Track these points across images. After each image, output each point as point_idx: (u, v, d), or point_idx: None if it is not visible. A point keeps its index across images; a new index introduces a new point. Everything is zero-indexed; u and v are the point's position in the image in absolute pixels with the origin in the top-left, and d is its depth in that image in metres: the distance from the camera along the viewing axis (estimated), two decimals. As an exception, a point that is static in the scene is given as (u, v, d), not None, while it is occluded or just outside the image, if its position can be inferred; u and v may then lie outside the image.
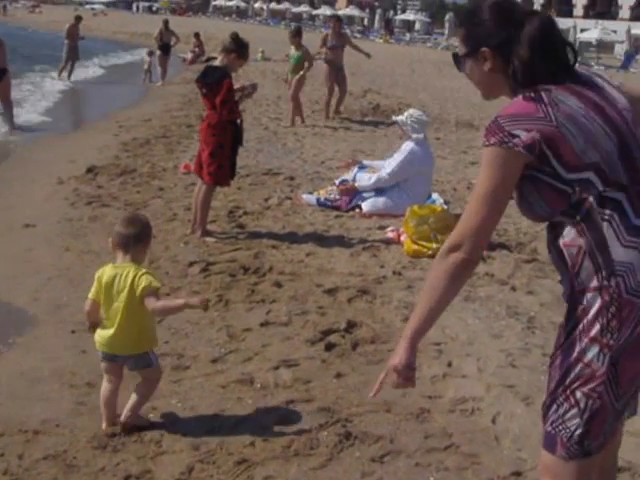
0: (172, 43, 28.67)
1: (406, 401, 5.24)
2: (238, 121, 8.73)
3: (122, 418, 4.81)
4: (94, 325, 4.85)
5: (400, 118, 10.12)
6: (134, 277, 4.67)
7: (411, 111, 10.28)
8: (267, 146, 14.55)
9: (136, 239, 4.76)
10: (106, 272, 4.81)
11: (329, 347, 6.06)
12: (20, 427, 4.84)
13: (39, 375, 5.57)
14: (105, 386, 4.91)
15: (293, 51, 18.59)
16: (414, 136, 9.99)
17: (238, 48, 8.61)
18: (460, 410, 5.18)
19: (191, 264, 7.86)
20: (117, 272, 4.75)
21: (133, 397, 4.84)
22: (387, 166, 10.17)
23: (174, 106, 20.79)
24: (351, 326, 6.46)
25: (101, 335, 4.80)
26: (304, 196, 10.51)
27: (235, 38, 8.62)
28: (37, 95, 23.41)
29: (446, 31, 67.80)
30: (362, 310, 6.87)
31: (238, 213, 9.75)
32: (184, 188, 11.11)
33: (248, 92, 9.12)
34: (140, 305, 4.64)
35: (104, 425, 4.86)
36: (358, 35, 74.79)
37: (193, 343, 6.04)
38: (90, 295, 4.85)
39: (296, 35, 18.43)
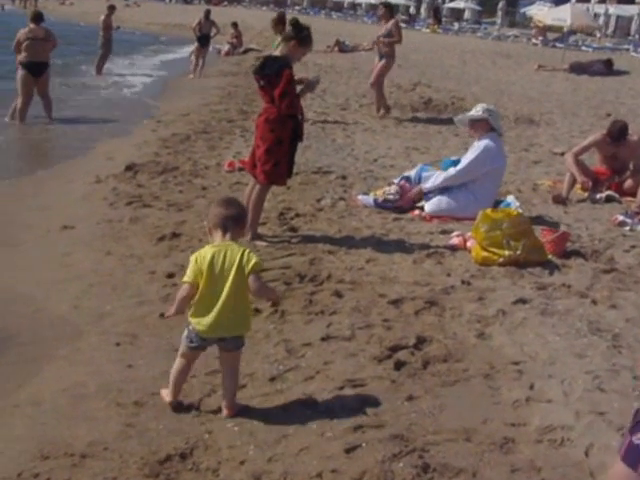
0: (212, 34, 28.56)
1: (487, 429, 4.99)
2: (299, 116, 8.47)
3: (227, 410, 5.05)
4: (181, 312, 4.92)
5: (479, 115, 9.78)
6: (242, 253, 4.83)
7: (484, 105, 10.01)
8: (315, 142, 14.32)
9: (236, 220, 4.98)
10: (206, 252, 4.87)
11: (398, 365, 5.81)
12: (66, 450, 4.67)
13: (84, 392, 5.39)
14: (182, 365, 5.08)
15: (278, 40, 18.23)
16: (491, 133, 9.73)
17: (298, 35, 8.31)
18: (548, 440, 4.90)
19: (241, 269, 7.63)
20: (219, 250, 4.85)
21: (229, 385, 5.07)
22: (460, 163, 9.91)
23: (213, 100, 20.61)
24: (421, 342, 6.20)
25: (205, 320, 4.87)
26: (360, 197, 10.27)
27: (294, 24, 8.38)
28: (75, 89, 23.37)
29: (498, 20, 67.10)
30: (431, 324, 6.60)
31: (289, 215, 9.54)
32: (229, 187, 10.92)
33: (311, 86, 8.87)
34: (245, 283, 4.83)
35: (170, 398, 5.10)
36: (403, 25, 74.31)
37: (248, 359, 5.79)
38: (186, 278, 4.86)
39: (279, 23, 18.08)
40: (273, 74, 8.19)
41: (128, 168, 11.90)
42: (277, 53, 8.46)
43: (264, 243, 8.44)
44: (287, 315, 6.67)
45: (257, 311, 6.65)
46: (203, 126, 16.28)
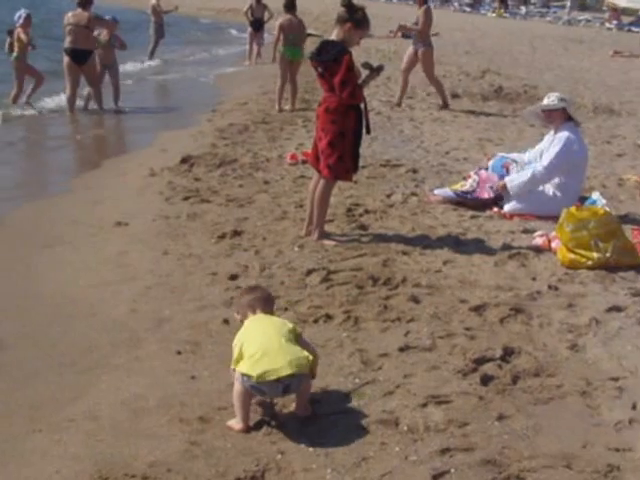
0: (265, 18, 28.39)
1: (589, 454, 4.68)
2: (362, 105, 8.19)
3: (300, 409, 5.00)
4: None
5: (556, 103, 9.45)
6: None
7: (557, 94, 9.66)
8: (382, 133, 14.04)
9: (265, 300, 5.31)
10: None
11: (485, 380, 5.51)
12: (126, 470, 4.46)
13: (144, 405, 5.18)
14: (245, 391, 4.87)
15: None
16: (568, 123, 9.40)
17: (352, 16, 7.91)
18: (658, 469, 4.59)
19: (309, 272, 7.41)
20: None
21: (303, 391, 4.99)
22: (544, 159, 9.48)
23: (271, 88, 20.35)
24: (508, 353, 5.90)
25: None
26: (436, 191, 9.95)
27: (347, 5, 7.90)
28: (126, 78, 23.30)
29: (568, 3, 66.28)
30: (518, 333, 6.30)
31: (358, 211, 9.28)
32: (292, 181, 10.70)
33: (374, 74, 8.57)
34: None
35: (241, 425, 4.87)
36: (467, 9, 73.71)
37: (321, 371, 5.52)
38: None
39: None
40: (331, 60, 7.89)
41: (184, 160, 11.75)
42: (333, 37, 8.11)
43: (332, 242, 8.19)
44: (361, 322, 6.41)
45: (329, 317, 6.42)
46: (262, 116, 16.11)
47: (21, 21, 17.86)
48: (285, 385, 4.79)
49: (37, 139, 15.48)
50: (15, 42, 17.97)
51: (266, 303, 5.23)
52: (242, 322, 5.13)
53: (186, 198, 9.89)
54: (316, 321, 6.40)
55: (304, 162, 11.46)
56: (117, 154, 13.50)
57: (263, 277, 7.29)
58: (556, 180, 9.33)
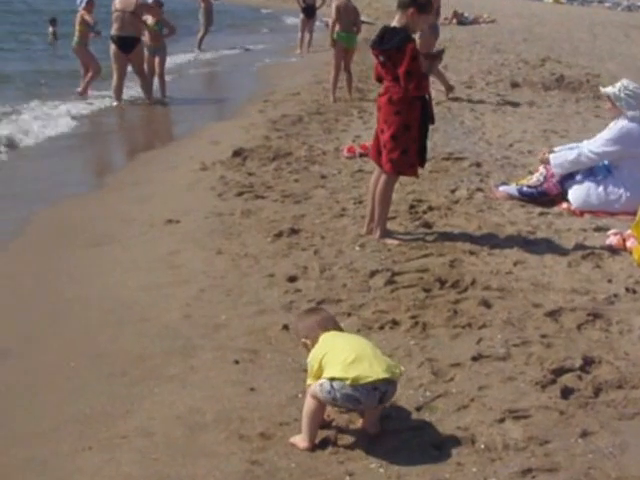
0: (317, 5, 28.16)
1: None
2: (427, 96, 7.91)
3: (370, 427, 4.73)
4: None
5: (612, 91, 9.19)
6: None
7: (624, 82, 9.34)
8: (442, 124, 13.69)
9: (334, 320, 5.04)
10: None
11: (565, 393, 5.20)
12: (183, 493, 4.24)
13: (200, 420, 4.95)
14: (316, 406, 4.58)
15: None
16: (629, 113, 9.09)
17: (416, 0, 7.61)
18: None
19: (373, 274, 7.14)
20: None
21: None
22: (591, 142, 9.35)
23: (324, 77, 20.13)
24: (588, 363, 5.58)
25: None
26: (501, 188, 9.63)
27: None
28: (175, 67, 23.20)
29: (628, -11, 65.29)
30: (597, 341, 5.98)
31: (421, 208, 8.98)
32: (350, 176, 10.44)
33: (436, 61, 8.27)
34: None
35: (306, 444, 4.58)
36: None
37: (389, 382, 5.29)
38: None
39: None
40: (394, 48, 7.60)
41: (236, 154, 11.56)
42: (395, 23, 7.81)
43: (395, 241, 7.92)
44: (429, 328, 6.13)
45: (395, 323, 6.16)
46: (316, 106, 15.89)
47: (83, 4, 17.73)
48: (382, 393, 4.50)
49: (83, 132, 15.32)
50: (77, 26, 17.85)
51: (336, 322, 4.98)
52: (309, 347, 4.79)
53: (240, 194, 9.68)
54: (382, 327, 6.13)
55: (362, 155, 11.23)
56: (166, 147, 13.32)
57: (323, 279, 7.04)
58: (621, 174, 9.08)
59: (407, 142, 7.77)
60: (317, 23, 29.13)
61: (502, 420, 4.88)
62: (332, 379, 4.43)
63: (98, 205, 9.92)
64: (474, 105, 16.21)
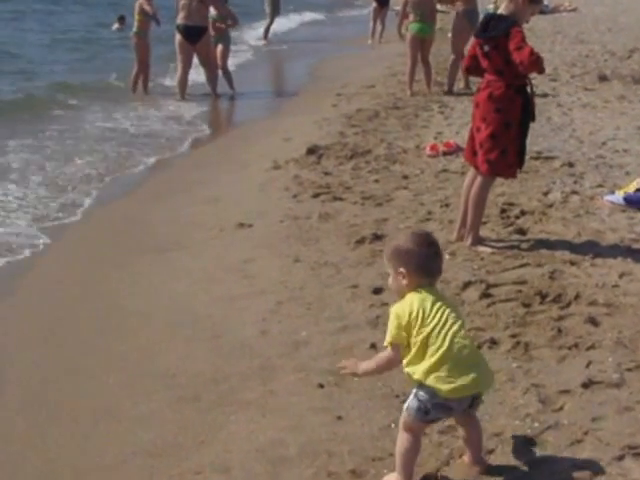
0: (391, -7, 27.81)
1: None
2: (528, 88, 7.49)
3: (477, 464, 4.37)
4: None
5: None
6: None
7: None
8: (528, 120, 13.25)
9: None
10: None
11: (692, 426, 4.77)
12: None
13: (283, 454, 4.61)
14: (411, 443, 4.16)
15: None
16: None
17: None
18: None
19: (466, 285, 6.74)
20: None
21: (476, 437, 4.41)
22: None
23: (399, 69, 19.72)
24: None
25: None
26: (607, 198, 9.05)
27: None
28: (239, 58, 22.92)
29: None
30: None
31: (513, 212, 8.53)
32: (434, 176, 10.03)
33: None
34: None
35: None
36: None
37: (492, 411, 4.89)
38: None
39: None
40: (501, 35, 7.20)
41: (310, 151, 11.24)
42: (501, 11, 7.42)
43: (488, 249, 7.51)
44: (532, 349, 5.70)
45: (494, 343, 5.76)
46: (393, 100, 15.50)
47: None
48: (473, 396, 4.15)
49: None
50: (136, 15, 17.64)
51: (440, 269, 4.27)
52: (402, 286, 4.14)
53: (316, 195, 9.36)
54: (479, 347, 5.69)
55: (445, 154, 10.86)
56: (234, 144, 12.97)
57: (414, 290, 6.65)
58: None
59: (506, 141, 7.36)
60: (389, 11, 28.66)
61: (621, 457, 4.47)
62: (420, 385, 4.05)
63: (164, 207, 9.66)
64: (561, 99, 15.66)
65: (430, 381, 4.00)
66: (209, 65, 17.27)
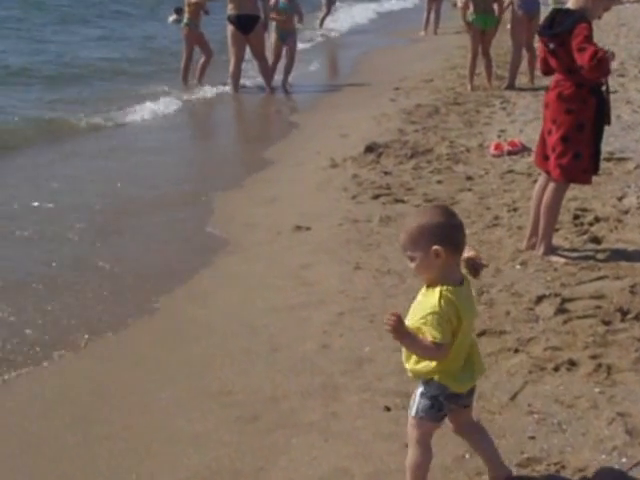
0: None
1: None
2: (603, 88, 7.14)
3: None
4: None
5: None
6: None
7: None
8: (596, 119, 12.86)
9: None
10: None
11: None
12: None
13: (348, 485, 4.32)
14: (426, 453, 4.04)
15: None
16: None
17: None
18: None
19: (539, 299, 6.39)
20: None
21: (490, 448, 4.21)
22: None
23: (458, 62, 19.40)
24: None
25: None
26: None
27: None
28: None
29: None
30: None
31: (587, 219, 8.17)
32: (499, 177, 9.69)
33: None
34: None
35: None
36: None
37: (574, 441, 4.57)
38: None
39: None
40: (566, 32, 6.86)
41: (369, 149, 10.96)
42: (569, 6, 7.06)
43: (561, 259, 7.17)
44: (615, 372, 5.36)
45: (572, 364, 5.42)
46: (453, 95, 15.18)
47: None
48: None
49: (197, 124, 14.80)
50: (185, 6, 17.43)
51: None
52: (436, 266, 3.79)
53: (376, 196, 9.08)
54: (556, 369, 5.40)
55: (510, 153, 10.53)
56: (289, 141, 12.68)
57: (482, 304, 6.33)
58: None
59: (579, 145, 7.02)
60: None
61: None
62: (427, 382, 3.97)
63: (215, 208, 9.41)
64: (630, 96, 15.21)
65: (442, 378, 3.90)
66: (262, 57, 16.96)
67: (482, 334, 5.82)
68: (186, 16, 17.56)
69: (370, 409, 5.02)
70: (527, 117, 12.98)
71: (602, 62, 6.72)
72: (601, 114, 7.09)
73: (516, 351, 5.61)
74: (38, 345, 6.15)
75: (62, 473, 4.67)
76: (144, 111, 14.91)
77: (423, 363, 3.90)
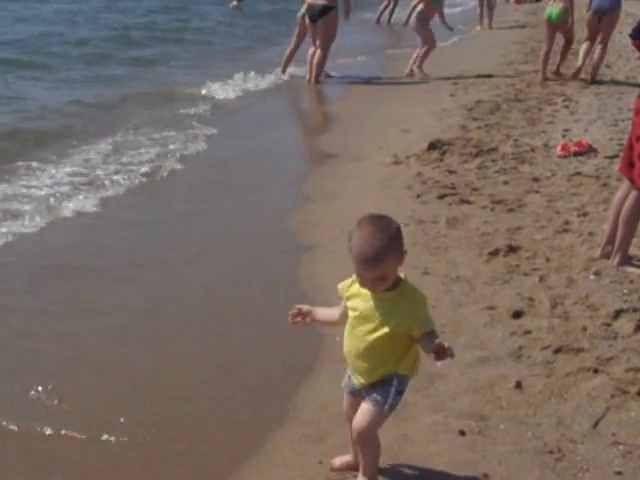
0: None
1: None
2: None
3: None
4: None
5: None
6: None
7: None
8: None
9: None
10: None
11: None
12: None
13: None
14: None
15: None
16: None
17: None
18: None
19: (617, 314, 5.90)
20: None
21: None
22: None
23: (515, 57, 18.85)
24: None
25: None
26: None
27: None
28: (348, 41, 22.03)
29: None
30: None
31: (655, 226, 7.65)
32: (567, 180, 9.18)
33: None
34: None
35: None
36: None
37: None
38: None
39: None
40: None
41: (432, 146, 10.44)
42: None
43: (638, 270, 6.67)
44: None
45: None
46: (513, 92, 14.61)
47: None
48: None
49: (245, 117, 14.15)
50: None
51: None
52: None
53: (441, 196, 8.59)
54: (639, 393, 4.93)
55: (576, 154, 9.99)
56: (350, 135, 12.13)
57: (556, 317, 5.87)
58: None
59: None
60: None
61: None
62: (399, 377, 3.86)
63: (274, 205, 8.98)
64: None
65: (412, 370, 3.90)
66: (326, 49, 16.36)
67: (558, 350, 5.38)
68: (305, 6, 16.74)
69: (443, 432, 4.58)
70: (591, 116, 12.43)
71: None
72: None
73: (595, 371, 5.15)
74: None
75: None
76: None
77: (408, 358, 3.83)
